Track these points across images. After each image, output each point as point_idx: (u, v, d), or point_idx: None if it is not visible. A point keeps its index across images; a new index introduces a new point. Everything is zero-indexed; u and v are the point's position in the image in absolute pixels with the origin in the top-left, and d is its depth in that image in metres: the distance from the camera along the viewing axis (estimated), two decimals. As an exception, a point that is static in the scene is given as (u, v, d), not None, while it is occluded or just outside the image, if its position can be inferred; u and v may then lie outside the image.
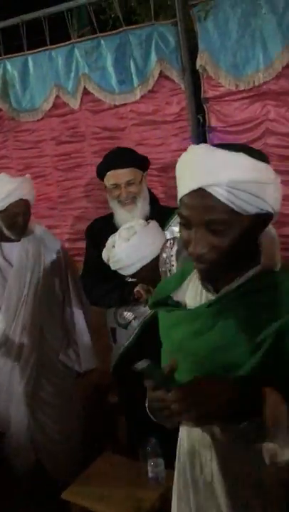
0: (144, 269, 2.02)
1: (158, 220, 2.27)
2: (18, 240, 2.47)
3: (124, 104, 3.15)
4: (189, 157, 1.09)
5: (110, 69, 3.11)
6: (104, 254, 2.13)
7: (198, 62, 2.83)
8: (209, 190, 1.02)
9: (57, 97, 3.33)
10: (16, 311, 2.40)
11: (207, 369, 1.09)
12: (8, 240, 2.49)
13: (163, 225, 2.26)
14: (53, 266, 2.49)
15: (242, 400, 0.99)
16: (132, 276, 2.10)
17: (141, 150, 3.18)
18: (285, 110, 2.75)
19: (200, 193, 1.03)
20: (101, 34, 3.10)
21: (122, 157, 2.38)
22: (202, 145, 1.10)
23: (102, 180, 2.43)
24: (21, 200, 2.39)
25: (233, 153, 1.02)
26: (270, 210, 1.06)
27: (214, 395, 0.98)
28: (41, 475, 2.45)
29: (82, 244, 3.49)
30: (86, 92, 3.23)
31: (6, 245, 2.50)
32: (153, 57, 2.96)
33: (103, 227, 2.42)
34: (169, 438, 1.96)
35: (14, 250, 2.47)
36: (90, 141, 3.37)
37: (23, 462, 2.48)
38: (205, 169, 1.03)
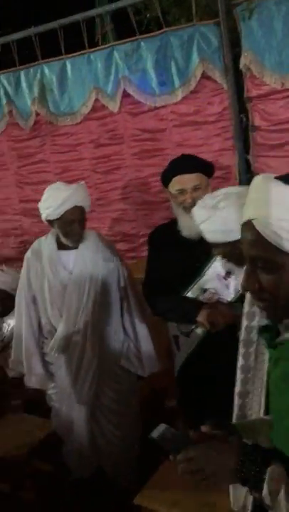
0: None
1: None
2: (76, 248, 2.47)
3: (165, 106, 3.15)
4: (250, 187, 1.03)
5: (150, 71, 3.11)
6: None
7: (243, 62, 2.82)
8: (256, 224, 0.95)
9: (96, 100, 3.34)
10: (77, 318, 2.40)
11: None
12: (66, 247, 2.49)
13: None
14: (110, 272, 2.47)
15: (246, 468, 1.00)
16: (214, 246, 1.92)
17: (181, 151, 3.17)
18: None
19: (249, 227, 0.97)
20: (141, 36, 3.10)
21: (188, 162, 2.35)
22: (262, 176, 1.02)
23: (166, 187, 2.39)
24: (76, 207, 2.39)
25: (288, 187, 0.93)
26: None
27: (220, 458, 1.01)
28: (101, 480, 2.45)
29: (121, 246, 3.52)
30: (125, 94, 3.24)
31: (63, 253, 2.49)
32: (195, 57, 2.96)
33: (166, 235, 2.40)
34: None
35: (71, 258, 2.46)
36: (129, 143, 3.37)
37: (84, 466, 2.49)
38: (256, 202, 0.97)
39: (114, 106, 3.29)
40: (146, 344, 2.50)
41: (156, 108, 3.18)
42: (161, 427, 1.07)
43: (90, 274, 2.41)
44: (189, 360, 2.25)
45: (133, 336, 2.51)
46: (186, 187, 2.24)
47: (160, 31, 3.04)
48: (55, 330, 2.42)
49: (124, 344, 2.51)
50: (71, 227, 2.41)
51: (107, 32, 5.09)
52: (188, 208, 2.20)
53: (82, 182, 2.57)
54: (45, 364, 2.53)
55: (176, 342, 2.30)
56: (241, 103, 2.95)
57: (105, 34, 5.10)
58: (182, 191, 2.25)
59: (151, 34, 3.10)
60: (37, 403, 2.79)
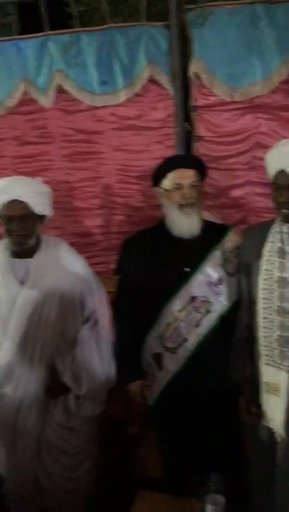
0: None
1: (210, 233, 2.13)
2: (30, 256, 2.14)
3: (105, 106, 2.95)
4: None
5: (91, 67, 2.89)
6: None
7: (192, 69, 2.74)
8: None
9: (24, 93, 3.01)
10: (24, 340, 2.04)
11: None
12: (21, 255, 2.12)
13: (215, 240, 2.16)
14: (73, 289, 2.13)
15: None
16: None
17: (120, 156, 3.04)
18: (277, 124, 2.77)
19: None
20: (82, 29, 2.88)
21: (187, 157, 2.28)
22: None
23: (157, 185, 2.21)
24: (16, 201, 2.04)
25: None
26: None
27: None
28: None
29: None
30: (60, 89, 2.97)
31: (17, 261, 2.12)
32: (142, 59, 2.81)
33: (148, 239, 2.20)
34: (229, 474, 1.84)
35: (24, 267, 2.11)
36: (60, 143, 3.09)
37: (27, 509, 2.12)
38: None
39: (46, 100, 2.99)
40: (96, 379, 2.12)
41: (94, 108, 2.96)
42: None
43: (46, 288, 2.07)
44: (175, 379, 2.08)
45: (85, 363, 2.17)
46: (184, 182, 2.10)
47: (104, 26, 2.84)
48: None
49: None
50: (10, 226, 2.05)
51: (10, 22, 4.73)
52: (183, 206, 2.07)
53: (38, 178, 2.24)
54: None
55: (159, 361, 2.11)
56: (186, 111, 2.87)
57: (6, 24, 4.74)
58: (179, 186, 2.10)
59: (94, 28, 2.88)
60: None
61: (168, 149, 2.95)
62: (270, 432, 1.88)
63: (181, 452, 2.14)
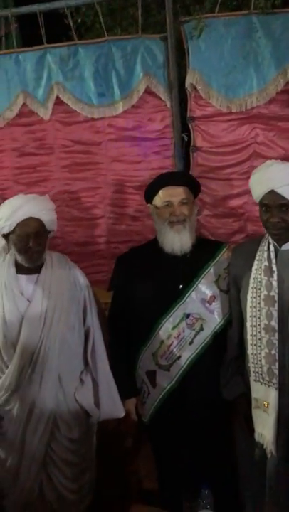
0: None
1: (203, 250, 2.15)
2: (38, 272, 2.17)
3: (102, 118, 2.97)
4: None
5: (89, 79, 2.92)
6: None
7: (189, 81, 2.76)
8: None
9: (24, 105, 3.04)
10: (33, 356, 2.06)
11: None
12: (26, 271, 2.15)
13: (209, 257, 2.17)
14: (76, 303, 2.16)
15: None
16: None
17: (118, 167, 3.06)
18: (274, 134, 2.77)
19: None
20: (79, 42, 2.90)
21: (177, 175, 2.30)
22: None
23: (149, 203, 2.26)
24: (32, 219, 2.09)
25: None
26: None
27: None
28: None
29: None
30: (58, 101, 2.99)
31: (22, 278, 2.15)
32: (138, 71, 2.83)
33: (142, 256, 2.22)
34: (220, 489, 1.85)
35: (31, 284, 2.14)
36: (60, 154, 3.12)
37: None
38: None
39: (44, 113, 3.02)
40: (107, 384, 2.20)
41: (92, 119, 2.98)
42: None
43: (54, 304, 2.09)
44: (168, 396, 2.10)
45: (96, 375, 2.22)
46: (174, 199, 2.12)
47: (101, 39, 2.86)
48: (7, 367, 2.08)
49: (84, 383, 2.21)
50: (27, 243, 2.08)
51: (11, 32, 4.76)
52: (174, 223, 2.09)
53: (46, 195, 2.28)
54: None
55: (152, 378, 2.12)
56: (184, 122, 2.88)
57: (8, 34, 4.77)
58: (169, 204, 2.12)
59: (91, 41, 2.91)
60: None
61: (166, 160, 2.96)
62: (262, 448, 1.89)
63: (175, 467, 2.16)
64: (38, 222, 2.10)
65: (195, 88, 2.77)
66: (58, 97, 2.98)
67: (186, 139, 2.92)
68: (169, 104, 2.85)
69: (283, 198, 1.81)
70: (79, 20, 3.28)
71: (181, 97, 2.87)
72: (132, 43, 2.81)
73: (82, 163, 3.10)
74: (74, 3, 2.89)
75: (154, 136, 2.96)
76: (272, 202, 1.84)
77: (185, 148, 2.97)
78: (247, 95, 2.70)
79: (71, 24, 2.89)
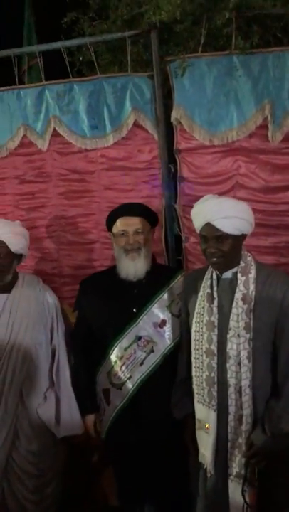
0: None
1: (159, 276, 2.28)
2: (7, 291, 2.34)
3: (95, 149, 3.15)
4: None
5: (82, 113, 3.11)
6: None
7: (174, 116, 2.91)
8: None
9: (24, 136, 3.26)
10: None
11: None
12: None
13: (164, 283, 2.30)
14: (44, 322, 2.35)
15: None
16: None
17: (110, 194, 3.22)
18: (255, 167, 2.89)
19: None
20: (74, 79, 3.11)
21: (133, 206, 2.44)
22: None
23: (110, 231, 2.43)
24: None
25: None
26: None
27: None
28: None
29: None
30: (55, 133, 3.20)
31: None
32: (127, 106, 3.01)
33: (101, 281, 2.38)
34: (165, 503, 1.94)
35: (1, 302, 2.32)
36: (56, 182, 3.32)
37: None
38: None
39: (42, 144, 3.23)
40: (68, 402, 2.36)
41: (86, 150, 3.17)
42: None
43: (20, 321, 2.28)
44: (120, 414, 2.21)
45: (58, 391, 2.38)
46: (128, 229, 2.29)
47: (94, 76, 3.06)
48: None
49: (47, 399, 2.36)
50: None
51: (33, 65, 5.04)
52: (128, 251, 2.24)
53: (17, 221, 2.48)
54: None
55: (107, 396, 2.26)
56: (171, 153, 3.03)
57: (32, 67, 5.05)
58: (124, 233, 2.28)
59: (85, 78, 3.11)
60: None
61: (154, 188, 3.11)
62: (204, 468, 1.98)
63: (132, 484, 2.26)
64: (2, 244, 2.27)
65: (180, 122, 2.92)
66: (54, 130, 3.18)
67: (172, 170, 3.06)
68: (156, 137, 3.02)
69: (218, 230, 1.94)
70: (80, 58, 3.49)
71: (169, 130, 3.03)
72: (122, 80, 3.00)
73: (77, 190, 3.28)
74: (69, 44, 3.10)
75: (143, 166, 3.12)
76: (208, 233, 1.97)
77: (173, 178, 3.11)
78: (228, 129, 2.84)
79: (67, 63, 3.09)
